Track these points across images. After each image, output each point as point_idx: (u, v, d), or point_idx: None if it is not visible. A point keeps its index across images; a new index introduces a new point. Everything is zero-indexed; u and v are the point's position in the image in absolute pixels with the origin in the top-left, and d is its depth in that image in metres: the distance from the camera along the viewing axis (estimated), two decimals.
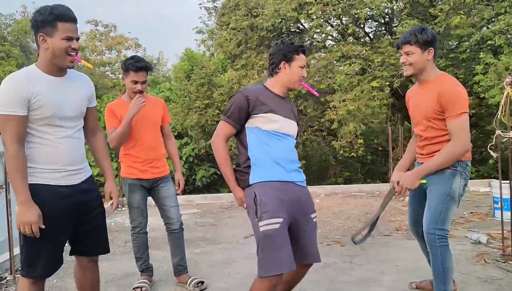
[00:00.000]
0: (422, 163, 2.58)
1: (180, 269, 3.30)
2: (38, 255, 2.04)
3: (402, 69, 2.57)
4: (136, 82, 3.04)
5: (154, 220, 4.13)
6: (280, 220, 2.15)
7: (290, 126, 2.35)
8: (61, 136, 2.04)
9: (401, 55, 2.53)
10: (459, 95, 2.38)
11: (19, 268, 3.81)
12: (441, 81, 2.46)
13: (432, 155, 2.51)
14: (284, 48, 2.32)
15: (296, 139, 2.44)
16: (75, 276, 2.32)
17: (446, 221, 2.47)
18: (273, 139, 2.28)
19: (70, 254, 2.27)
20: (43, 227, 1.97)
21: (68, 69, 2.09)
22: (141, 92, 3.05)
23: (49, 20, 1.95)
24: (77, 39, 2.03)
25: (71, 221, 2.09)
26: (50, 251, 2.05)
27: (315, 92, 2.79)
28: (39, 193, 1.99)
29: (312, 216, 2.36)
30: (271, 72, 2.37)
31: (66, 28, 1.97)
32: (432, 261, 2.51)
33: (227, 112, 2.28)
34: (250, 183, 2.24)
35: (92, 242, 2.23)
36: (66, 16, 1.98)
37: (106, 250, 2.31)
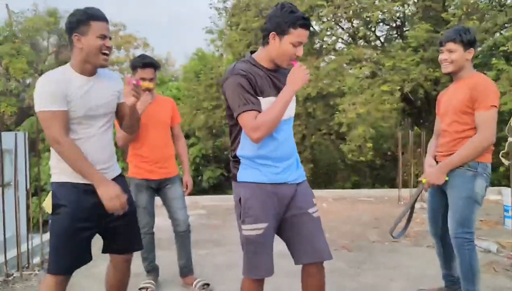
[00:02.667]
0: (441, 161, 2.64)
1: (186, 270, 3.29)
2: (63, 251, 2.07)
3: (442, 65, 2.61)
4: (143, 79, 3.02)
5: (161, 220, 4.13)
6: (264, 225, 1.99)
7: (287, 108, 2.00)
8: (90, 135, 2.09)
9: (442, 52, 2.59)
10: (492, 89, 2.46)
11: (26, 265, 3.83)
12: (475, 77, 2.55)
13: (450, 154, 2.56)
14: (280, 17, 1.89)
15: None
16: (106, 275, 2.34)
17: (471, 223, 2.53)
18: (268, 137, 1.97)
19: (103, 252, 2.28)
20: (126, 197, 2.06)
21: (97, 69, 2.14)
22: (149, 90, 3.04)
23: (83, 19, 2.03)
24: (110, 38, 2.11)
25: (97, 218, 2.11)
26: (75, 247, 2.08)
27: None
28: (66, 192, 2.05)
29: (311, 210, 2.08)
30: (263, 42, 1.99)
31: (99, 26, 2.05)
32: (460, 263, 2.55)
33: (241, 102, 1.89)
34: (238, 180, 2.04)
35: (124, 239, 2.25)
36: (99, 15, 2.07)
37: (140, 247, 2.37)
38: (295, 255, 2.09)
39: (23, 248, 3.78)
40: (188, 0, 48.92)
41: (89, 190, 2.06)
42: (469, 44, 2.52)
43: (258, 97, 1.94)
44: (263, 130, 1.90)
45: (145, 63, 3.02)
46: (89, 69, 2.09)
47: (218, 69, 11.24)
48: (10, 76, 13.34)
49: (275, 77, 2.02)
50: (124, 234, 2.24)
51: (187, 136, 11.23)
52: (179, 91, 12.54)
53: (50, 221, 2.09)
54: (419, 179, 2.70)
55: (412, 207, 2.81)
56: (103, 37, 2.06)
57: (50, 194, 2.08)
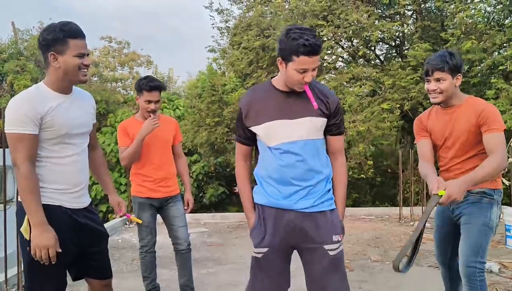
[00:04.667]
0: None
1: (187, 289, 3.28)
2: (46, 281, 1.95)
3: (431, 96, 2.45)
4: (149, 101, 3.08)
5: (161, 238, 4.14)
6: (264, 250, 2.01)
7: (295, 131, 1.94)
8: (70, 154, 2.02)
9: (428, 82, 2.44)
10: (499, 114, 2.36)
11: (25, 284, 3.80)
12: (475, 102, 2.42)
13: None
14: (284, 43, 1.87)
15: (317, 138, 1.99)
16: None
17: (485, 253, 2.39)
18: (270, 156, 1.99)
19: (76, 279, 2.19)
20: (60, 250, 1.90)
21: (72, 86, 2.08)
22: (154, 111, 3.09)
23: (60, 37, 1.91)
24: (88, 54, 2.01)
25: (76, 244, 2.04)
26: (59, 273, 1.99)
27: (314, 104, 1.94)
28: (48, 214, 1.92)
29: (328, 247, 1.96)
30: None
31: (77, 45, 1.94)
32: None
33: (236, 130, 2.14)
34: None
35: (102, 264, 2.20)
36: (76, 33, 1.95)
37: (111, 274, 2.27)
38: (306, 284, 2.05)
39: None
40: (190, 19, 49.60)
41: (69, 214, 2.01)
42: (456, 70, 2.39)
43: (252, 127, 2.02)
44: (236, 162, 2.18)
45: (152, 86, 3.07)
46: (66, 87, 2.01)
47: (224, 88, 11.35)
48: (15, 93, 13.45)
49: (288, 101, 1.97)
50: (103, 260, 2.20)
51: (189, 153, 11.25)
52: (185, 109, 12.58)
53: (28, 248, 1.91)
54: (434, 192, 2.14)
55: (421, 232, 2.16)
56: (81, 55, 1.95)
57: (26, 218, 1.92)
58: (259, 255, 2.03)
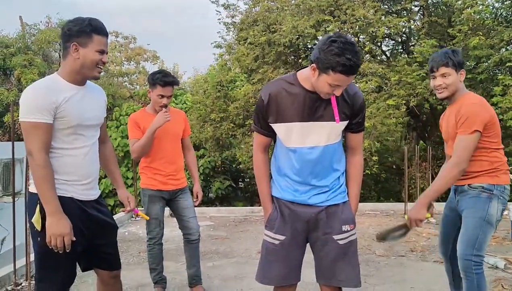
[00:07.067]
0: (457, 185, 2.54)
1: (196, 279, 3.33)
2: (56, 271, 1.99)
3: (437, 92, 2.51)
4: (162, 96, 3.10)
5: (167, 232, 4.19)
6: (282, 237, 2.03)
7: (315, 135, 1.94)
8: (82, 146, 2.05)
9: (434, 78, 2.51)
10: (474, 112, 2.36)
11: (35, 275, 3.86)
12: (464, 98, 2.48)
13: (465, 177, 2.45)
14: (324, 53, 1.76)
15: (334, 142, 1.99)
16: None
17: (482, 246, 2.40)
18: (286, 156, 2.02)
19: (85, 270, 2.23)
20: (74, 239, 1.93)
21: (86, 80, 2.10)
22: (166, 106, 3.12)
23: (86, 31, 1.96)
24: (107, 53, 2.05)
25: (86, 235, 2.06)
26: (69, 264, 2.02)
27: (337, 118, 1.95)
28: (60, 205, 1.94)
29: (337, 237, 2.01)
30: (310, 62, 1.87)
31: (100, 41, 2.00)
32: (467, 287, 2.42)
33: (254, 119, 2.07)
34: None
35: (111, 256, 2.22)
36: (102, 30, 2.01)
37: (120, 265, 2.31)
38: (316, 273, 2.10)
39: (32, 257, 3.81)
40: (197, 14, 49.54)
41: (79, 205, 2.03)
42: (460, 65, 2.46)
43: (272, 124, 1.98)
44: (253, 153, 2.13)
45: (167, 82, 3.09)
46: (80, 80, 2.04)
47: (235, 84, 11.37)
48: (22, 87, 13.55)
49: (312, 103, 1.92)
50: (112, 251, 2.22)
51: (196, 148, 11.30)
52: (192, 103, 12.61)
53: (38, 239, 1.95)
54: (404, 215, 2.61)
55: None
56: (102, 52, 2.00)
57: (38, 209, 1.93)
58: (276, 242, 2.04)
